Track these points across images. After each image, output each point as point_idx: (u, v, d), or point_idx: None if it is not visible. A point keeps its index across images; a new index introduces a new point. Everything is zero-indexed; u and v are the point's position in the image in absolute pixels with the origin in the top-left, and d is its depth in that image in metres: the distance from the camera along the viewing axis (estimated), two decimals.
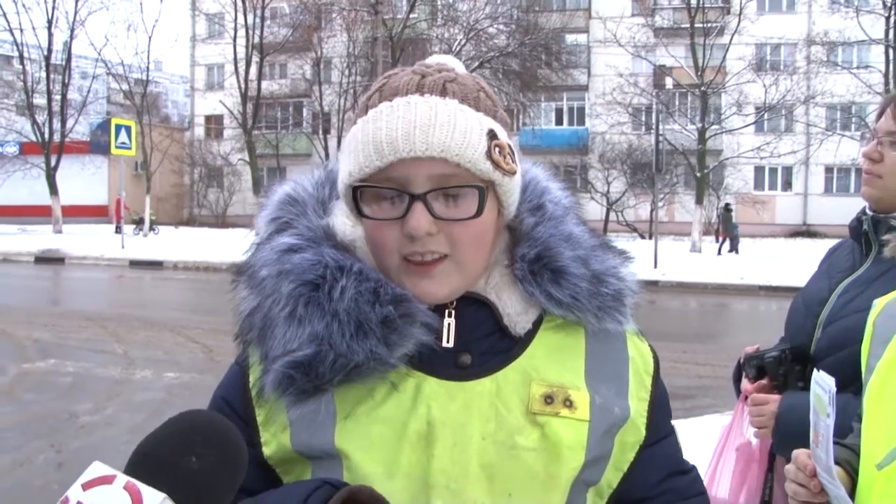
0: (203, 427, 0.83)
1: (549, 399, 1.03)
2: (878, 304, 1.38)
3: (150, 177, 34.52)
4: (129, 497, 0.73)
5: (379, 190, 1.00)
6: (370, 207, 1.01)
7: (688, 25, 28.54)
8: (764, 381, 1.93)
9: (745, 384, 2.01)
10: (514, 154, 1.05)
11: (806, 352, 1.87)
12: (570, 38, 38.99)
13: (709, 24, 28.42)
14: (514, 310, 1.07)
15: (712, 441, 2.18)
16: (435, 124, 0.97)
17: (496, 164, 1.00)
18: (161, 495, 0.73)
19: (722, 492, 2.06)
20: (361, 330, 0.98)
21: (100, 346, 9.73)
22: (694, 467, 1.21)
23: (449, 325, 1.05)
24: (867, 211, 1.86)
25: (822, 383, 1.10)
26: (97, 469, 0.77)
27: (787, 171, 37.53)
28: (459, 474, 1.00)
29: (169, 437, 0.81)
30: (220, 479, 0.81)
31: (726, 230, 27.15)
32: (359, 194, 1.01)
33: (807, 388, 1.84)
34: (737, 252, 26.24)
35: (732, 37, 28.04)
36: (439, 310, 1.05)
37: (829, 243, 2.21)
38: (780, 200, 38.58)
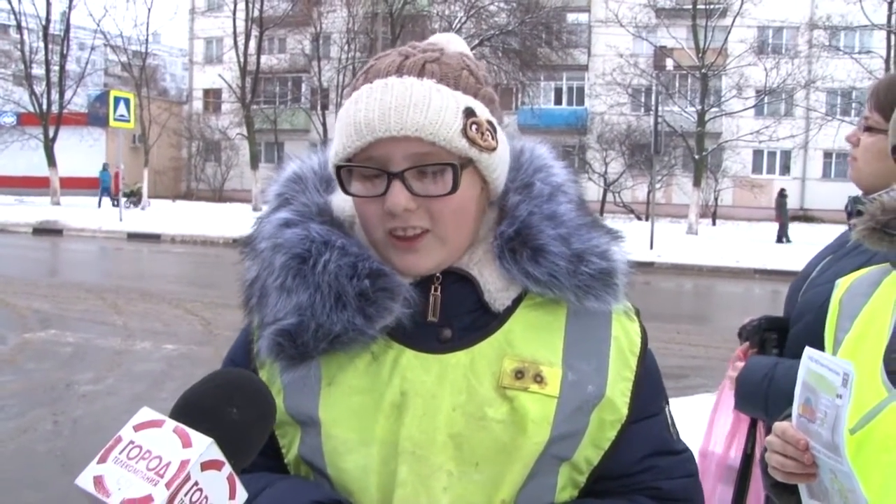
0: (242, 382, 0.89)
1: (519, 374, 1.06)
2: (842, 283, 1.45)
3: (148, 150, 34.40)
4: (179, 440, 0.78)
5: (361, 169, 1.05)
6: (354, 186, 1.06)
7: (690, 6, 28.40)
8: (746, 346, 2.08)
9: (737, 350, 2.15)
10: (495, 130, 1.08)
11: (785, 322, 1.99)
12: (571, 17, 38.77)
13: (711, 6, 28.25)
14: (495, 286, 1.09)
15: (703, 419, 2.28)
16: (409, 104, 1.01)
17: (472, 142, 1.03)
18: (208, 439, 0.79)
19: (717, 447, 2.18)
20: (340, 302, 1.04)
21: (99, 318, 9.79)
22: (687, 449, 1.20)
23: (435, 299, 1.09)
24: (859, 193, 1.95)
25: (829, 363, 1.12)
26: (147, 414, 0.82)
27: (786, 155, 37.51)
28: (426, 441, 1.04)
29: (212, 389, 0.87)
30: (256, 429, 0.87)
31: (781, 216, 25.62)
32: (344, 173, 1.06)
33: (781, 354, 1.96)
34: (787, 240, 24.44)
35: (735, 19, 27.94)
36: (425, 284, 1.09)
37: (826, 228, 2.29)
38: (778, 184, 38.53)
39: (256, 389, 0.89)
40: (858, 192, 1.97)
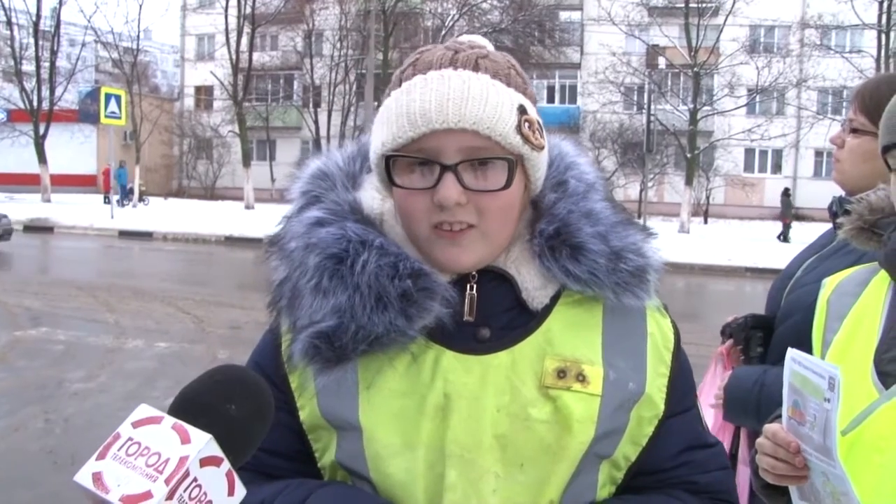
0: (240, 378, 0.89)
1: (561, 373, 1.05)
2: (829, 283, 1.45)
3: (140, 147, 34.25)
4: (178, 436, 0.78)
5: (410, 160, 1.02)
6: (401, 178, 1.03)
7: (682, 5, 28.46)
8: (730, 344, 2.10)
9: (721, 347, 2.16)
10: (542, 130, 1.08)
11: (771, 321, 2.00)
12: (563, 15, 38.78)
13: (703, 5, 28.35)
14: (533, 284, 1.09)
15: None
16: (468, 97, 0.99)
17: (525, 139, 1.03)
18: (207, 436, 0.79)
19: None
20: (381, 302, 1.01)
21: (91, 315, 9.75)
22: (718, 442, 1.21)
23: (471, 298, 1.07)
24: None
25: (813, 366, 1.11)
26: (145, 410, 0.81)
27: (778, 154, 37.62)
28: (473, 444, 1.03)
29: (211, 386, 0.87)
30: (254, 426, 0.87)
31: (786, 214, 25.64)
32: (391, 164, 1.04)
33: (765, 352, 1.98)
34: (786, 239, 24.33)
35: (727, 17, 28.01)
36: (461, 283, 1.08)
37: (817, 226, 2.31)
38: (770, 183, 38.69)
39: (255, 386, 0.89)
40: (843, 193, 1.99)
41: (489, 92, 1.01)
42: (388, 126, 1.03)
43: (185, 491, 0.76)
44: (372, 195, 1.13)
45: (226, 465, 0.80)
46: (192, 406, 0.84)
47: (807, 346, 1.26)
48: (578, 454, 1.06)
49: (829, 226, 2.17)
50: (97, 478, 0.77)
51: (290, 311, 1.08)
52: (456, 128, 0.99)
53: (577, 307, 1.11)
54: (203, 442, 0.78)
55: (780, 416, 1.24)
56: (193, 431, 0.79)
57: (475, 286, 1.08)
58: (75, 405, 6.16)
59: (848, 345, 1.32)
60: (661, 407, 1.11)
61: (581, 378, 1.06)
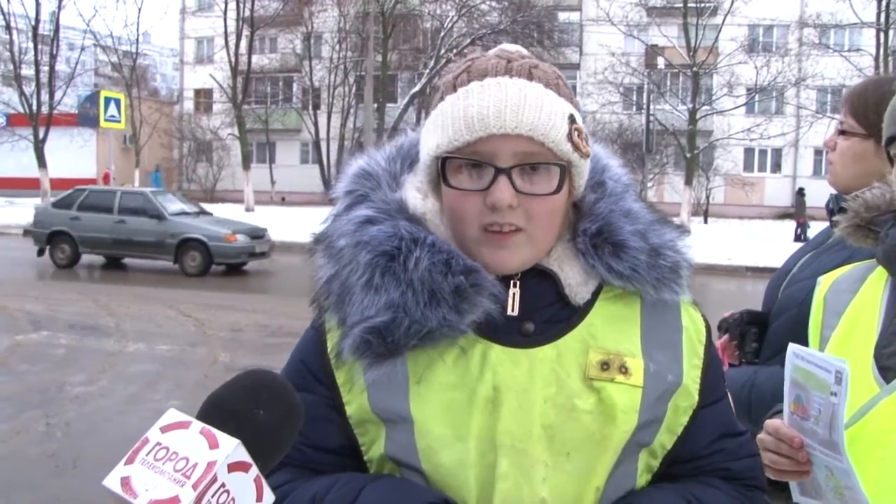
0: (268, 384, 0.89)
1: (605, 366, 1.09)
2: (825, 280, 1.46)
3: (139, 151, 34.23)
4: (206, 441, 0.78)
5: (462, 162, 1.07)
6: (454, 179, 1.08)
7: (681, 5, 28.43)
8: (726, 339, 2.11)
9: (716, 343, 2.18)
10: (588, 139, 1.13)
11: (766, 317, 2.02)
12: (562, 16, 38.79)
13: (702, 4, 28.32)
14: (575, 280, 1.13)
15: None
16: (525, 105, 1.04)
17: (575, 147, 1.08)
18: (235, 441, 0.78)
19: None
20: (434, 298, 1.05)
21: (92, 319, 9.76)
22: (746, 430, 1.24)
23: (514, 294, 1.11)
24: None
25: (817, 360, 1.12)
26: (173, 415, 0.82)
27: (777, 153, 37.61)
28: (524, 435, 1.06)
29: (238, 391, 0.87)
30: (282, 431, 0.87)
31: (801, 214, 25.40)
32: (444, 166, 1.08)
33: (760, 348, 1.98)
34: (801, 239, 23.66)
35: (725, 17, 28.00)
36: (504, 281, 1.11)
37: (819, 225, 2.32)
38: (770, 182, 38.70)
39: (283, 391, 0.89)
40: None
41: (544, 100, 1.06)
42: (444, 129, 1.07)
43: (212, 496, 0.76)
44: (414, 195, 1.16)
45: (254, 470, 0.80)
46: (220, 411, 0.84)
47: (801, 342, 1.26)
48: (622, 443, 1.09)
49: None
50: (125, 482, 0.77)
51: (339, 308, 1.11)
52: (512, 133, 1.03)
53: (616, 302, 1.15)
54: (231, 447, 0.78)
55: (779, 412, 1.24)
56: (221, 436, 0.79)
57: (518, 283, 1.12)
58: (76, 409, 6.17)
59: (847, 340, 1.33)
60: (696, 397, 1.15)
61: (624, 370, 1.10)
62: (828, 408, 1.10)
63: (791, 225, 27.34)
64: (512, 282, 1.12)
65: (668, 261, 1.14)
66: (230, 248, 14.80)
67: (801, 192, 26.46)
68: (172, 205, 15.95)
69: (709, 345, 1.20)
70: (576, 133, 1.08)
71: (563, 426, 1.08)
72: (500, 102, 1.04)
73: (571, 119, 1.08)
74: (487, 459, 1.07)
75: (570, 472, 1.08)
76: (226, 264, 15.20)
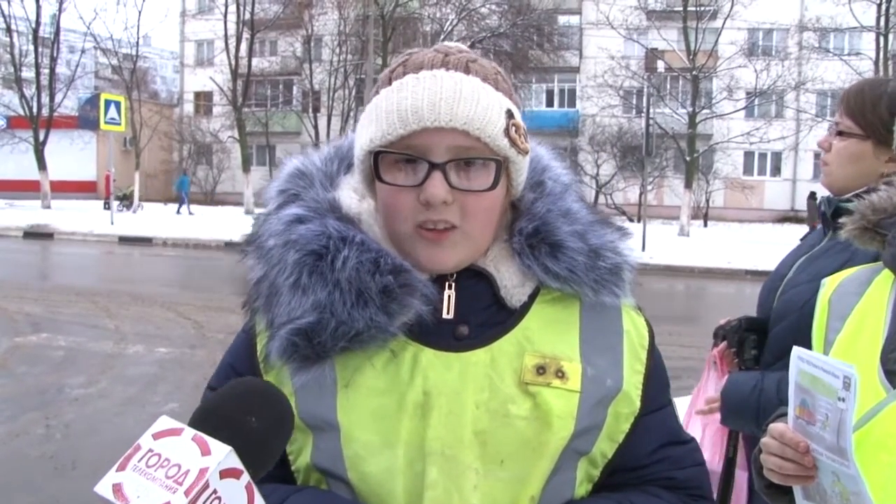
0: (260, 391, 0.89)
1: (541, 370, 1.06)
2: (830, 282, 1.44)
3: (140, 153, 34.25)
4: (198, 448, 0.78)
5: (397, 158, 1.02)
6: (388, 175, 1.04)
7: (681, 9, 28.48)
8: (723, 346, 2.10)
9: (713, 350, 2.15)
10: (526, 135, 1.09)
11: (764, 323, 2.00)
12: (562, 20, 38.81)
13: (702, 8, 28.35)
14: (512, 282, 1.09)
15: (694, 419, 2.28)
16: (460, 97, 1.01)
17: (512, 142, 1.04)
18: (227, 448, 0.78)
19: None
20: (362, 298, 1.01)
21: (91, 321, 9.74)
22: (693, 439, 1.22)
23: (449, 296, 1.08)
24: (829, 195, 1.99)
25: (824, 364, 1.10)
26: (165, 422, 0.81)
27: (777, 156, 37.63)
28: (454, 441, 1.03)
29: (231, 398, 0.87)
30: (274, 438, 0.87)
31: (813, 218, 25.68)
32: (378, 161, 1.04)
33: (759, 355, 1.97)
34: None
35: (725, 21, 28.03)
36: (439, 282, 1.08)
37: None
38: (769, 186, 38.71)
39: (275, 398, 0.89)
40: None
41: (480, 94, 1.03)
42: (377, 123, 1.04)
43: (204, 503, 0.76)
44: (349, 195, 1.14)
45: (245, 477, 0.80)
46: (212, 418, 0.84)
47: (804, 346, 1.25)
48: (558, 450, 1.06)
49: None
50: (117, 489, 0.77)
51: (268, 310, 1.07)
52: (447, 127, 1.00)
53: (554, 305, 1.12)
54: (223, 454, 0.78)
55: (783, 416, 1.23)
56: (214, 443, 0.79)
57: (453, 284, 1.09)
58: (76, 411, 6.16)
59: (852, 344, 1.32)
60: (638, 404, 1.13)
61: (560, 374, 1.07)
62: (835, 413, 1.07)
63: (793, 229, 27.25)
64: (447, 283, 1.08)
65: (607, 262, 1.11)
66: None
67: (812, 197, 26.35)
68: None
69: (652, 350, 1.17)
70: (513, 128, 1.05)
71: (496, 432, 1.04)
72: (434, 95, 1.00)
73: (509, 114, 1.05)
74: (416, 468, 1.03)
75: (503, 479, 1.05)
76: None
